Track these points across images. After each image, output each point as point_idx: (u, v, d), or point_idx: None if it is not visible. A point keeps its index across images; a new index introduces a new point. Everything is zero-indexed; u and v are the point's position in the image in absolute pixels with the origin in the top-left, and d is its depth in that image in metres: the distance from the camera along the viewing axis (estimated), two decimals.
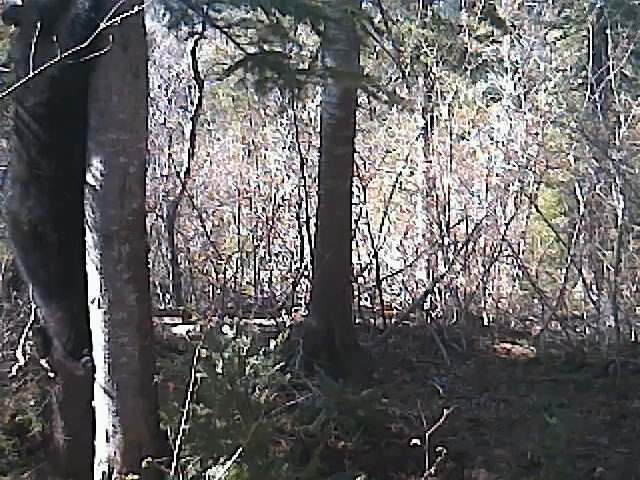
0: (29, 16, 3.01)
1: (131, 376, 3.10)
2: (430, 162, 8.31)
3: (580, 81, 10.38)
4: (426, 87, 8.21)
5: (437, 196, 7.86)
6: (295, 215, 8.28)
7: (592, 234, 7.38)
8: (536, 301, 7.66)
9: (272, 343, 3.27)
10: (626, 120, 7.36)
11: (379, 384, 5.44)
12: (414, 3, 8.47)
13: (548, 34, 9.81)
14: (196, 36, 5.55)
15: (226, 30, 4.02)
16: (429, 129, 8.41)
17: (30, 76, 2.34)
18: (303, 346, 5.58)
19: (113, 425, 3.09)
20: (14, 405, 4.22)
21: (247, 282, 8.45)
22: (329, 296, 5.92)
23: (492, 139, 8.43)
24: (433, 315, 7.22)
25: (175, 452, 2.78)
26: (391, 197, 8.06)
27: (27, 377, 4.37)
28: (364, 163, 8.41)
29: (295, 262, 8.21)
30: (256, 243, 8.48)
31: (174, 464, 2.70)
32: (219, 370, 3.16)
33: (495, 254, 7.63)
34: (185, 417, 2.80)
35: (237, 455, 2.91)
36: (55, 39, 2.64)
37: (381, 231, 7.72)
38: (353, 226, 6.65)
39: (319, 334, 5.70)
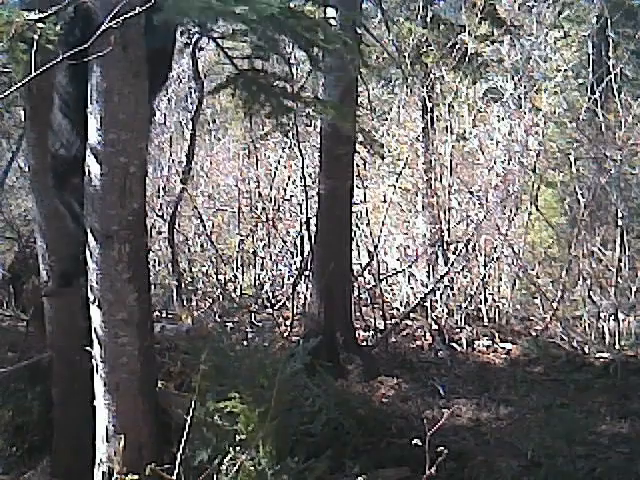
0: None
1: (131, 376, 3.10)
2: (430, 162, 8.30)
3: (580, 81, 10.37)
4: (426, 87, 8.20)
5: (437, 196, 7.85)
6: (295, 215, 8.29)
7: (592, 234, 7.36)
8: (536, 301, 7.65)
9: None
10: (626, 120, 7.35)
11: (379, 384, 5.44)
12: (414, 3, 8.46)
13: (548, 34, 9.80)
14: (196, 36, 5.53)
15: (220, 42, 4.01)
16: (429, 129, 8.40)
17: (31, 76, 2.34)
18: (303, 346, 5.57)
19: (113, 425, 3.09)
20: (14, 405, 4.23)
21: (247, 282, 8.45)
22: (329, 296, 5.92)
23: (492, 139, 8.42)
24: (433, 315, 7.22)
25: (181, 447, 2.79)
26: (391, 197, 8.06)
27: (27, 378, 4.37)
28: (364, 163, 8.40)
29: (295, 262, 8.22)
30: (256, 243, 8.48)
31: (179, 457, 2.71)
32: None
33: (495, 254, 7.62)
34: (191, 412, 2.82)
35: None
36: None
37: (381, 231, 7.71)
38: (353, 226, 6.65)
39: (319, 334, 5.71)
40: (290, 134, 8.30)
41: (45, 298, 3.98)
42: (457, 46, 7.95)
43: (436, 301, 7.45)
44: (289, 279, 8.08)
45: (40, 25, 2.76)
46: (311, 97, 4.91)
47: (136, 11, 2.42)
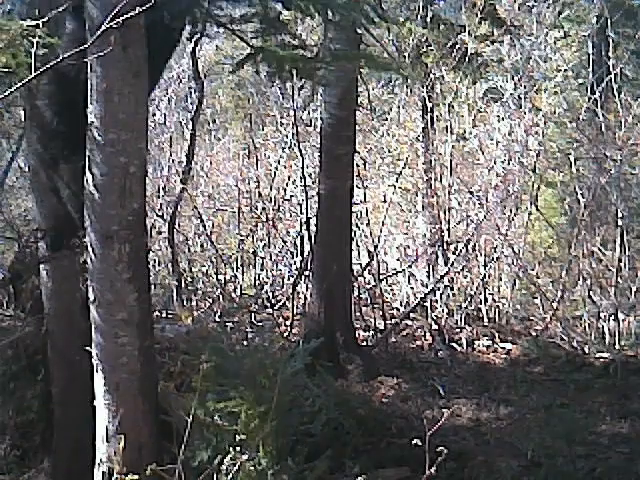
0: None
1: (131, 376, 3.11)
2: (430, 162, 8.30)
3: (580, 81, 10.37)
4: (426, 87, 8.20)
5: (437, 196, 7.85)
6: (295, 215, 8.29)
7: (592, 234, 7.36)
8: (536, 301, 7.65)
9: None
10: (626, 120, 7.35)
11: (379, 384, 5.44)
12: (414, 3, 8.47)
13: (548, 34, 9.80)
14: (197, 35, 5.53)
15: (229, 26, 4.02)
16: (429, 129, 8.40)
17: (31, 77, 2.34)
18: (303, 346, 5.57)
19: (113, 425, 3.09)
20: (14, 405, 4.22)
21: (247, 282, 8.45)
22: (329, 296, 5.92)
23: (492, 139, 8.42)
24: (433, 315, 7.22)
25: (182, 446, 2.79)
26: (391, 197, 8.06)
27: (28, 377, 4.37)
28: (364, 163, 8.40)
29: (295, 262, 8.21)
30: (256, 243, 8.48)
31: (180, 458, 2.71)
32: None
33: (495, 254, 7.63)
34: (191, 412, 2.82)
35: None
36: None
37: (381, 231, 7.72)
38: (353, 226, 6.65)
39: (319, 334, 5.70)
40: (290, 134, 8.32)
41: (45, 296, 3.97)
42: (457, 46, 7.95)
43: (436, 301, 7.45)
44: (289, 279, 8.08)
45: (38, 32, 2.75)
46: (328, 55, 4.93)
47: (136, 11, 2.41)
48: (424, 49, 8.23)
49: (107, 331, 3.07)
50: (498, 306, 7.69)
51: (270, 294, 8.17)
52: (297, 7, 3.82)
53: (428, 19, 8.21)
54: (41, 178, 3.78)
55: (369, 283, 7.81)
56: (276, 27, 3.89)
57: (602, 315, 6.76)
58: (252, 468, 3.05)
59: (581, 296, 7.10)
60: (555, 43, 9.65)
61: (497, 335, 6.98)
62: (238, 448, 3.06)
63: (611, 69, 7.80)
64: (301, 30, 7.32)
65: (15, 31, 2.80)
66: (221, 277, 8.11)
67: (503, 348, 6.73)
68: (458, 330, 7.01)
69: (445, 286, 7.46)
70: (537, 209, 8.20)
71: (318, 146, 6.25)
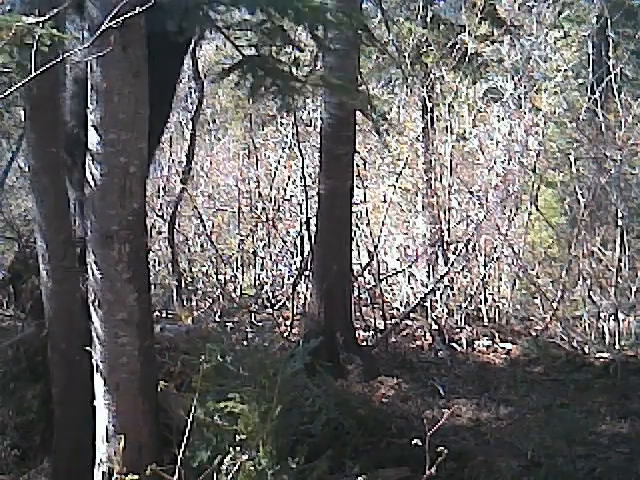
0: None
1: (131, 376, 3.11)
2: (430, 162, 8.30)
3: (580, 81, 10.38)
4: (426, 87, 8.20)
5: (437, 196, 7.85)
6: (295, 215, 8.29)
7: (592, 234, 7.36)
8: (536, 301, 7.65)
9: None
10: (626, 120, 7.35)
11: (379, 384, 5.45)
12: (414, 3, 8.47)
13: (548, 34, 9.81)
14: (196, 36, 5.52)
15: (225, 31, 4.01)
16: (429, 129, 8.40)
17: (31, 77, 2.34)
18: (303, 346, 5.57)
19: (113, 425, 3.09)
20: (14, 405, 4.23)
21: (247, 282, 8.45)
22: (329, 296, 5.92)
23: (492, 139, 8.42)
24: (433, 315, 7.23)
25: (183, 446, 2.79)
26: (391, 197, 8.06)
27: (28, 377, 4.37)
28: (364, 163, 8.40)
29: (295, 262, 8.22)
30: (256, 243, 8.48)
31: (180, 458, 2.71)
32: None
33: (495, 254, 7.63)
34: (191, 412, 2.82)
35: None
36: None
37: (381, 231, 7.72)
38: (353, 226, 6.65)
39: (319, 334, 5.70)
40: (290, 134, 8.32)
41: (45, 296, 3.97)
42: (457, 46, 7.96)
43: (436, 301, 7.45)
44: (289, 279, 8.08)
45: (38, 31, 2.75)
46: (317, 78, 4.91)
47: (136, 11, 2.42)
48: (424, 49, 8.23)
49: (107, 331, 3.07)
50: (498, 306, 7.69)
51: (270, 294, 8.17)
52: (291, 18, 3.81)
53: (428, 19, 8.22)
54: (41, 178, 3.78)
55: (369, 283, 7.81)
56: (275, 35, 3.87)
57: (602, 315, 6.76)
58: (252, 468, 3.04)
59: (581, 296, 7.10)
60: (555, 43, 9.65)
61: (497, 335, 6.98)
62: (238, 448, 3.06)
63: (611, 69, 7.81)
64: (301, 30, 7.31)
65: (16, 29, 2.80)
66: (221, 277, 8.11)
67: (503, 348, 6.73)
68: (458, 330, 7.01)
69: (445, 286, 7.46)
70: (537, 209, 8.20)
71: (318, 146, 6.25)
